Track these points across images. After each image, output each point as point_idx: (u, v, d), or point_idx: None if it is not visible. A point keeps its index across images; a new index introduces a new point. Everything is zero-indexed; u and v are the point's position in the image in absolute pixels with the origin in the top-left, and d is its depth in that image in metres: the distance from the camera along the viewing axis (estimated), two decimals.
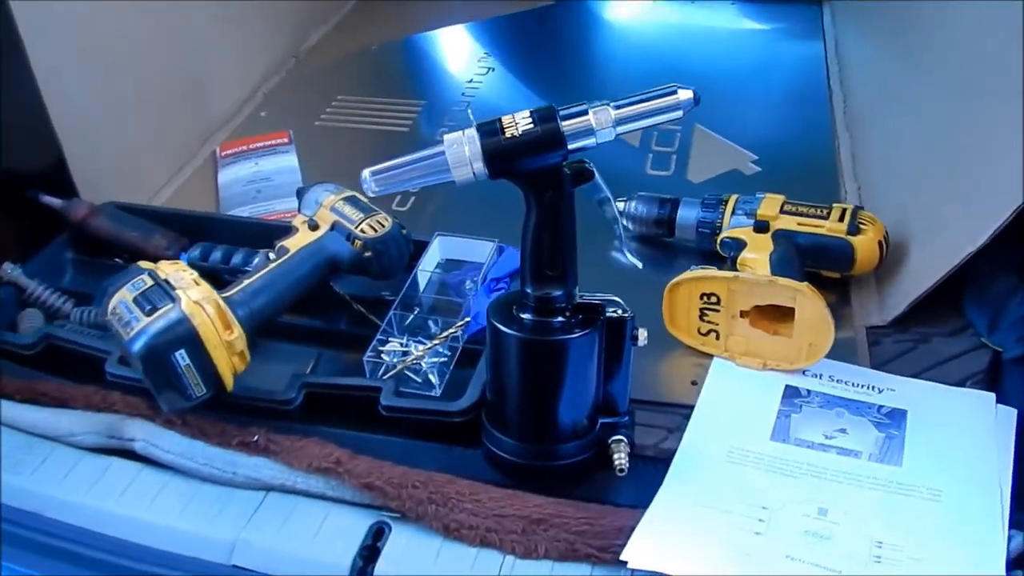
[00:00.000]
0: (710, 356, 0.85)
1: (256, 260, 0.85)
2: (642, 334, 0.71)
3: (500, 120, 0.64)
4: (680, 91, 0.63)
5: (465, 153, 0.63)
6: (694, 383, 0.82)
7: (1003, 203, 0.76)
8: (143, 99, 1.13)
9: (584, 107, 0.64)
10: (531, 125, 0.63)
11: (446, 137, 0.64)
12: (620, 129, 0.64)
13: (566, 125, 0.63)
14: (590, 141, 0.64)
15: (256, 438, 0.75)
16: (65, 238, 0.99)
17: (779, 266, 0.85)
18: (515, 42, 1.54)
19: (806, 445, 0.74)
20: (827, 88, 1.31)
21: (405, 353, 0.81)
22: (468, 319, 0.82)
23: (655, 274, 0.94)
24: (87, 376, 0.81)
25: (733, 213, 0.94)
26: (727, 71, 1.37)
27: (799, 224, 0.90)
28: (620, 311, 0.70)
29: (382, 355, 0.81)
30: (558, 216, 0.66)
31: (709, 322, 0.84)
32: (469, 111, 0.65)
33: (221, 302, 0.74)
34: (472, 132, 0.63)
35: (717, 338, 0.84)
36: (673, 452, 0.75)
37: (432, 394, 0.79)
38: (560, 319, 0.68)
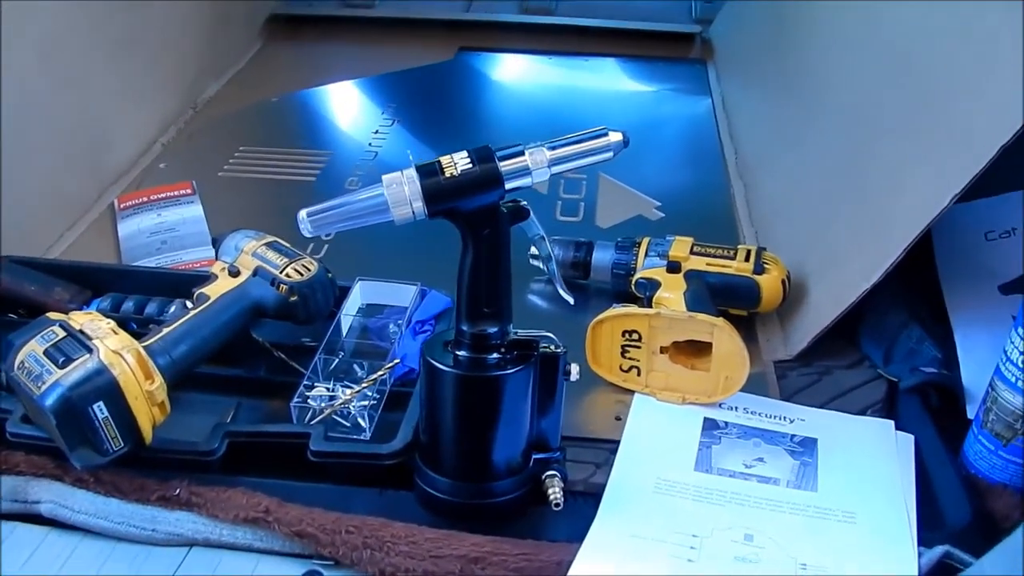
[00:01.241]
0: (631, 392, 0.87)
1: (172, 309, 0.83)
2: (574, 369, 0.73)
3: (439, 161, 0.65)
4: (611, 133, 0.67)
5: (405, 193, 0.64)
6: (618, 419, 0.85)
7: (894, 241, 0.83)
8: (33, 151, 1.08)
9: (520, 148, 0.66)
10: (469, 165, 0.65)
11: (385, 178, 0.65)
12: (555, 169, 0.66)
13: (504, 165, 0.65)
14: (526, 180, 0.66)
15: (177, 491, 0.71)
16: None
17: (694, 303, 0.89)
18: (415, 95, 1.56)
19: (728, 474, 0.77)
20: (718, 140, 1.39)
21: (332, 397, 0.80)
22: (397, 360, 0.81)
23: (573, 314, 0.96)
24: None
25: (647, 255, 0.98)
26: (621, 126, 1.43)
27: (708, 264, 0.95)
28: (553, 346, 0.71)
29: (308, 400, 0.79)
30: (495, 254, 0.67)
31: (631, 359, 0.87)
32: (409, 153, 0.66)
33: (142, 351, 0.71)
34: (412, 172, 0.64)
35: (638, 374, 0.87)
36: (602, 486, 0.76)
37: (362, 438, 0.78)
38: (495, 356, 0.69)
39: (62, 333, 0.71)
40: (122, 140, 1.29)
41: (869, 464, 0.78)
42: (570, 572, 0.66)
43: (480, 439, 0.71)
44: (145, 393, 0.70)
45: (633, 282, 0.97)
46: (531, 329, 0.72)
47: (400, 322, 0.89)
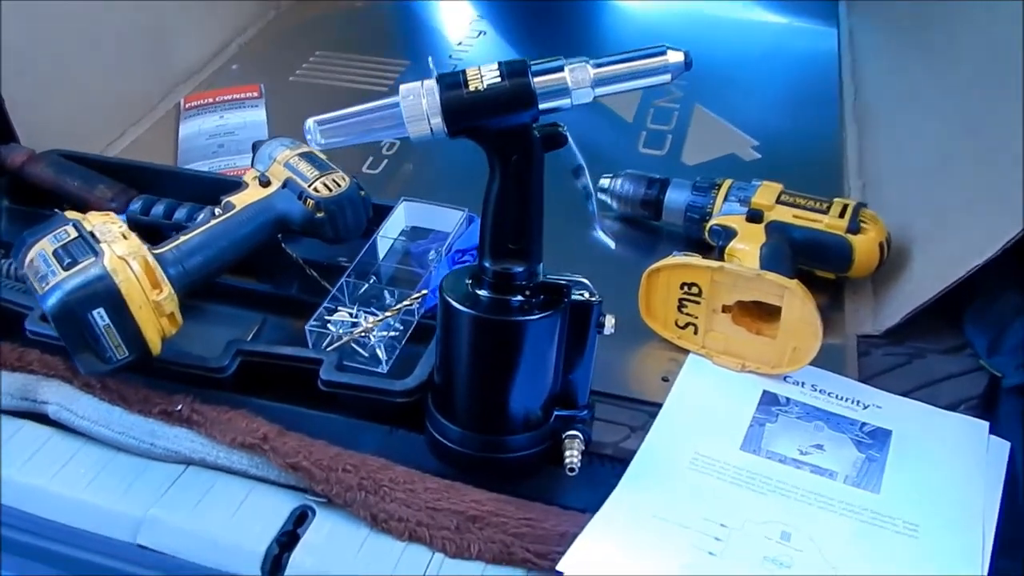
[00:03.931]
0: (685, 352, 0.78)
1: (200, 216, 0.79)
2: (609, 321, 0.64)
3: (464, 72, 0.57)
4: (670, 52, 0.56)
5: (422, 106, 0.56)
6: (665, 379, 0.76)
7: (1016, 215, 0.69)
8: (99, 45, 1.06)
9: (560, 63, 0.57)
10: (498, 79, 0.56)
11: (402, 87, 0.57)
12: (600, 90, 0.57)
13: (538, 82, 0.56)
14: (564, 101, 0.57)
15: (180, 407, 0.68)
16: (0, 186, 0.92)
17: (770, 260, 0.78)
18: (512, 10, 1.46)
19: (778, 459, 0.68)
20: (838, 80, 1.24)
21: (354, 324, 0.74)
22: (425, 292, 0.75)
23: (636, 258, 0.88)
24: (7, 333, 0.74)
25: (726, 199, 0.86)
26: (734, 57, 1.29)
27: (795, 217, 0.83)
28: (587, 294, 0.63)
29: (328, 325, 0.74)
30: (524, 183, 0.59)
31: (688, 314, 0.77)
32: (430, 60, 0.58)
33: (150, 258, 0.67)
34: (431, 83, 0.56)
35: (695, 332, 0.77)
36: (633, 453, 0.68)
37: (378, 370, 0.72)
38: (519, 298, 0.62)
39: (74, 233, 0.68)
40: (195, 38, 1.25)
41: (949, 469, 0.67)
42: (572, 547, 0.59)
43: (495, 388, 0.64)
44: (151, 303, 0.66)
45: (707, 228, 0.87)
46: (566, 273, 0.64)
47: (441, 248, 0.82)
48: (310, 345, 0.73)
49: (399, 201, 0.86)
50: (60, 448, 0.68)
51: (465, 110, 0.56)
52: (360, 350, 0.73)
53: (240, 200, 0.76)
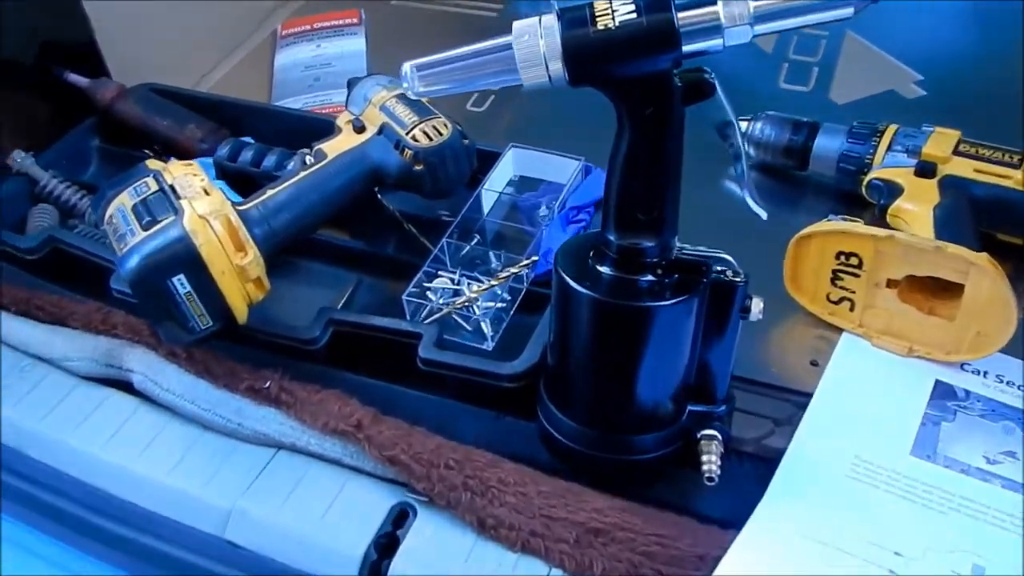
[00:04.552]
0: (838, 330, 0.67)
1: (291, 164, 0.71)
2: (756, 305, 0.54)
3: (591, 6, 0.46)
4: None
5: (539, 48, 0.46)
6: (814, 363, 0.65)
7: None
8: None
9: None
10: (633, 14, 0.45)
11: (516, 25, 0.47)
12: (760, 28, 0.45)
13: (683, 17, 0.45)
14: (715, 42, 0.45)
15: (268, 384, 0.62)
16: (91, 124, 0.88)
17: (946, 224, 0.66)
18: None
19: (959, 468, 0.57)
20: None
21: (456, 292, 0.67)
22: (535, 258, 0.66)
23: (776, 215, 0.75)
24: (93, 290, 0.70)
25: (889, 149, 0.73)
26: None
27: (977, 171, 0.70)
28: (730, 273, 0.53)
29: (427, 293, 0.67)
30: (660, 142, 0.48)
31: (843, 288, 0.66)
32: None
33: (234, 217, 0.61)
34: (551, 20, 0.46)
35: (851, 309, 0.66)
36: (779, 454, 0.59)
37: (483, 347, 0.64)
38: (649, 278, 0.52)
39: (154, 187, 0.62)
40: None
41: None
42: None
43: (619, 382, 0.55)
44: (235, 267, 0.60)
45: (865, 183, 0.74)
46: (702, 247, 0.53)
47: (553, 204, 0.73)
48: (407, 316, 0.65)
49: (507, 148, 0.76)
50: (146, 422, 0.63)
51: (592, 53, 0.46)
52: (463, 323, 0.65)
53: (332, 148, 0.68)
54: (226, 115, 0.85)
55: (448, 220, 0.73)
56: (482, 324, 0.65)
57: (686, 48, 0.45)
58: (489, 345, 0.64)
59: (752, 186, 0.51)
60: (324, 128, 0.77)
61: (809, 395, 0.62)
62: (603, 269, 0.53)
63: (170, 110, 0.84)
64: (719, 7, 0.45)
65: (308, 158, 0.68)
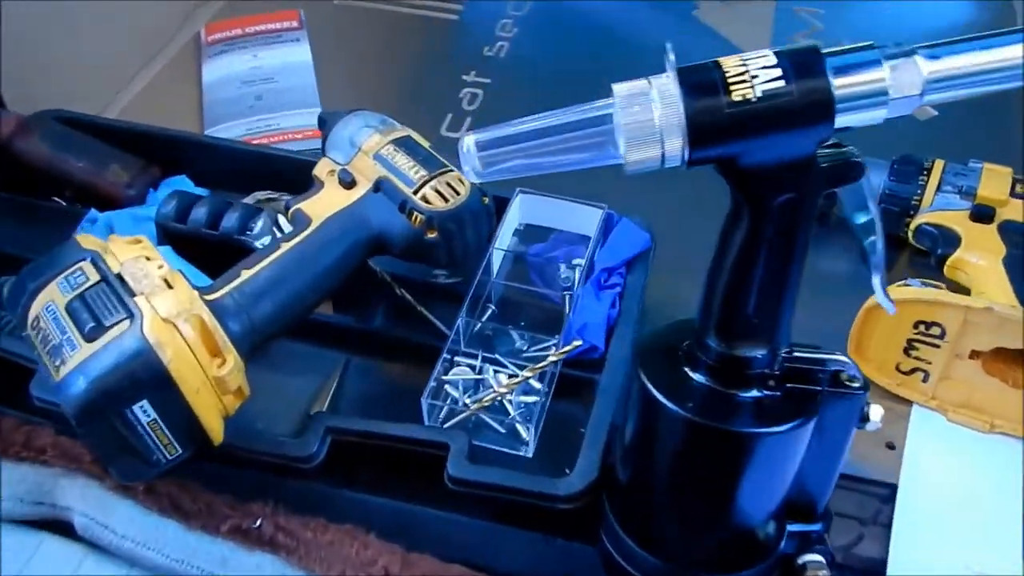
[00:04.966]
0: (906, 402, 0.59)
1: (258, 224, 0.58)
2: (875, 413, 0.45)
3: (720, 68, 0.35)
4: None
5: (654, 120, 0.35)
6: (890, 447, 0.57)
7: None
8: None
9: (874, 54, 0.35)
10: (780, 82, 0.35)
11: (619, 90, 0.36)
12: (931, 98, 0.36)
13: (842, 84, 0.35)
14: (875, 114, 0.36)
15: (258, 522, 0.49)
16: None
17: (1022, 279, 0.59)
18: None
19: None
20: None
21: (478, 383, 0.55)
22: (578, 343, 0.55)
23: (814, 263, 0.67)
24: (8, 396, 0.55)
25: (939, 189, 0.66)
26: None
27: None
28: (848, 377, 0.44)
29: (446, 386, 0.55)
30: (792, 234, 0.38)
31: (917, 358, 0.58)
32: (668, 47, 0.36)
33: (207, 317, 0.47)
34: (669, 86, 0.35)
35: (924, 380, 0.58)
36: (875, 564, 0.51)
37: (521, 453, 0.53)
38: (755, 393, 0.42)
39: (94, 276, 0.47)
40: None
41: None
42: None
43: (717, 514, 0.45)
44: (212, 380, 0.46)
45: (913, 227, 0.67)
46: (811, 345, 0.44)
47: (576, 263, 0.62)
48: (425, 419, 0.54)
49: (515, 194, 0.65)
50: None
51: (725, 131, 0.35)
52: (494, 424, 0.54)
53: (316, 209, 0.55)
54: (156, 148, 0.70)
55: (445, 284, 0.61)
56: (518, 426, 0.53)
57: (840, 122, 0.35)
58: (529, 451, 0.53)
59: (885, 278, 0.42)
60: (287, 168, 0.65)
61: (890, 485, 0.55)
62: (697, 378, 0.43)
63: (85, 146, 0.68)
64: (885, 72, 0.35)
65: (282, 220, 0.55)
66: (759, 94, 0.35)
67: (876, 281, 0.42)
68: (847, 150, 0.38)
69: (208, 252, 0.60)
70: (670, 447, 0.44)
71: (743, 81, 0.35)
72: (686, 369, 0.43)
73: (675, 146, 0.35)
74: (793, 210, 0.38)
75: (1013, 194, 0.64)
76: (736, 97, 0.35)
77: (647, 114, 0.35)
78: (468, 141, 0.37)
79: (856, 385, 0.44)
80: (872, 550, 0.52)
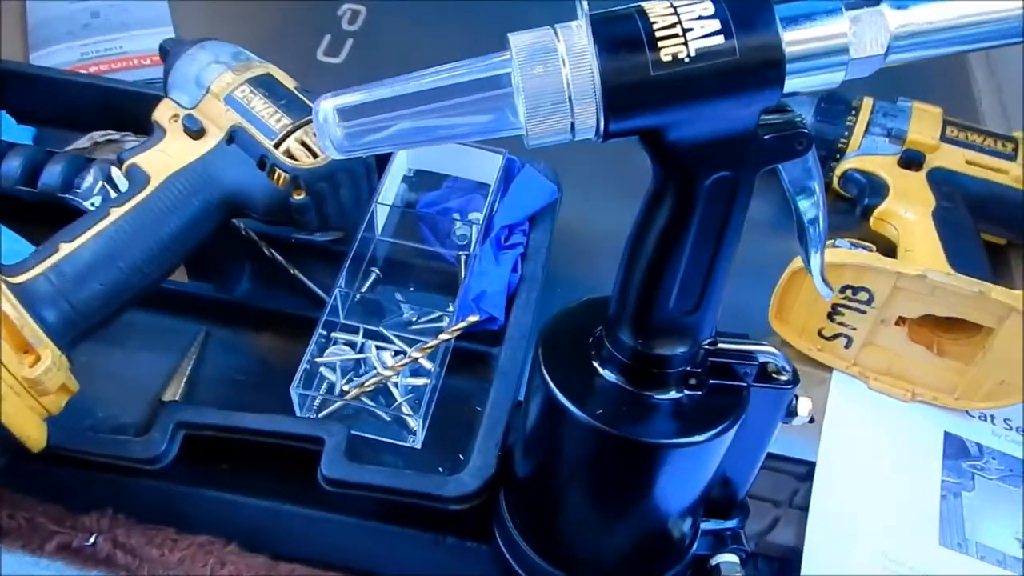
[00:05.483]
0: (822, 368, 0.56)
1: (87, 180, 0.48)
2: (804, 406, 0.40)
3: (645, 17, 0.28)
4: None
5: (563, 83, 0.28)
6: (811, 420, 0.53)
7: None
8: None
9: (834, 3, 0.28)
10: (718, 38, 0.28)
11: (516, 42, 0.28)
12: (895, 58, 0.29)
13: (793, 39, 0.28)
14: (831, 77, 0.29)
15: (92, 539, 0.42)
16: None
17: (953, 242, 0.55)
18: None
19: (995, 559, 0.48)
20: None
21: (358, 363, 0.48)
22: (474, 318, 0.48)
23: None
24: None
25: (867, 131, 0.61)
26: None
27: (969, 163, 0.59)
28: (776, 369, 0.39)
29: (321, 369, 0.48)
30: (725, 218, 0.32)
31: (841, 323, 0.54)
32: None
33: (11, 305, 0.38)
34: (580, 38, 0.28)
35: (846, 346, 0.54)
36: (790, 553, 0.47)
37: (409, 444, 0.47)
38: (674, 395, 0.37)
39: None
40: None
41: None
42: None
43: (626, 522, 0.40)
44: (22, 382, 0.38)
45: (839, 173, 0.62)
46: (734, 333, 0.39)
47: (474, 218, 0.54)
48: (297, 409, 0.46)
49: None
50: None
51: (651, 97, 0.28)
52: (376, 410, 0.47)
53: (156, 165, 0.45)
54: None
55: (323, 241, 0.53)
56: (404, 412, 0.47)
57: (790, 84, 0.29)
58: (417, 441, 0.46)
59: (822, 265, 0.36)
60: (131, 103, 0.54)
61: (808, 463, 0.51)
62: (608, 375, 0.37)
63: None
64: (845, 22, 0.28)
65: (117, 175, 0.45)
66: (692, 52, 0.27)
67: (815, 263, 0.36)
68: (791, 117, 0.31)
69: (28, 214, 0.49)
70: (574, 454, 0.38)
71: (674, 35, 0.28)
72: (595, 364, 0.37)
73: (587, 116, 0.28)
74: (727, 190, 0.31)
75: (944, 138, 0.59)
76: (665, 56, 0.27)
77: (556, 75, 0.28)
78: (326, 107, 0.29)
79: (785, 379, 0.39)
80: (787, 536, 0.49)
